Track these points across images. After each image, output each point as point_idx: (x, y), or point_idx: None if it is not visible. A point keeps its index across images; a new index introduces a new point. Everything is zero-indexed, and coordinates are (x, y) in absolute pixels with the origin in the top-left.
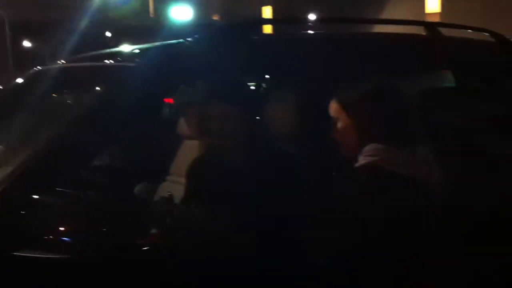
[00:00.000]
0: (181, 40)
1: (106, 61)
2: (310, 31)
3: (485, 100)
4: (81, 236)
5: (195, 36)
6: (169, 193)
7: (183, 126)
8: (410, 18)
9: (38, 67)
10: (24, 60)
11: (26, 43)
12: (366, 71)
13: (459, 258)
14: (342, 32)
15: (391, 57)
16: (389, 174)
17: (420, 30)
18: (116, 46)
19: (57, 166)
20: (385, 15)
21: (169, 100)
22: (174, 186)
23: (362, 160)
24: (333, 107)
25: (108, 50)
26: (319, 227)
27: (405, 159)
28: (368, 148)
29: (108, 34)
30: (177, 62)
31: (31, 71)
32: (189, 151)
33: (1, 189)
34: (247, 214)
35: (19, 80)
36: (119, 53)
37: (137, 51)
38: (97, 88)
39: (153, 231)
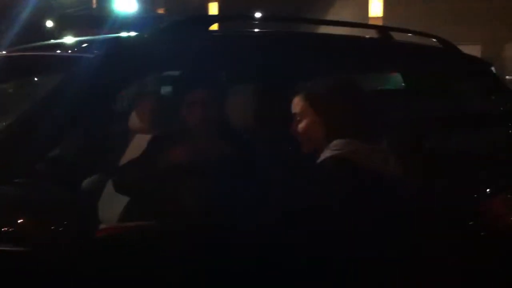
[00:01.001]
0: (138, 33)
1: (61, 51)
2: (260, 29)
3: (432, 100)
4: (36, 228)
5: (151, 29)
6: None
7: (133, 119)
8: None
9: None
10: None
11: None
12: (322, 69)
13: (415, 248)
14: (298, 31)
15: (347, 57)
16: (354, 167)
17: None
18: (59, 36)
19: (13, 157)
20: (330, 17)
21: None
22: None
23: (328, 153)
24: (298, 104)
25: (53, 41)
26: (289, 221)
27: (368, 153)
28: (335, 142)
29: (49, 23)
30: (134, 54)
31: None
32: (139, 144)
33: None
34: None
35: None
36: (63, 44)
37: (92, 42)
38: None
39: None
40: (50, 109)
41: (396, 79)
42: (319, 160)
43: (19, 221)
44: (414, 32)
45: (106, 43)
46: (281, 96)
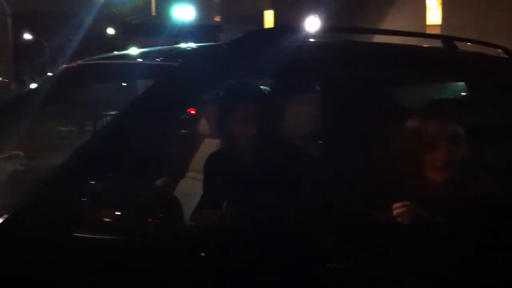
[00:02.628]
0: (218, 43)
1: (148, 59)
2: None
3: (495, 110)
4: (131, 219)
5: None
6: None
7: (204, 124)
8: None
9: (77, 61)
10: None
11: (29, 36)
12: (390, 79)
13: None
14: (368, 42)
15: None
16: None
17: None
18: (125, 43)
19: (108, 155)
20: (385, 25)
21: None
22: (192, 182)
23: None
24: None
25: (135, 50)
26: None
27: None
28: None
29: (110, 31)
30: (215, 63)
31: (62, 68)
32: (208, 148)
33: (60, 176)
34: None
35: (51, 76)
36: (149, 53)
37: (176, 51)
38: (140, 85)
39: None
40: (140, 113)
41: (453, 88)
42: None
43: (119, 213)
44: (479, 42)
45: (189, 52)
46: (350, 107)
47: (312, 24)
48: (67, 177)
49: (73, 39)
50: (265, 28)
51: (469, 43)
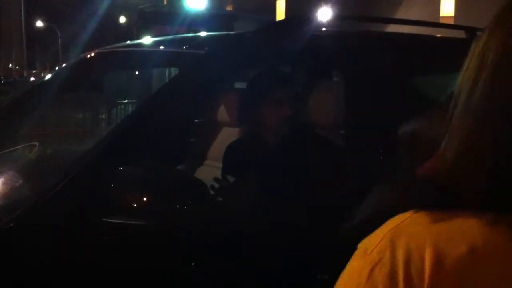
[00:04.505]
0: (240, 31)
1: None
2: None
3: None
4: (160, 205)
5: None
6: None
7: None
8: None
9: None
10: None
11: (42, 23)
12: (413, 69)
13: None
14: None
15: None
16: None
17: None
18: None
19: (137, 142)
20: (398, 16)
21: None
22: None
23: None
24: None
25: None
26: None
27: None
28: None
29: (123, 19)
30: (242, 52)
31: (83, 56)
32: (227, 137)
33: (89, 162)
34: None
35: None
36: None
37: (202, 39)
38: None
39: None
40: (167, 100)
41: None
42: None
43: (146, 198)
44: None
45: (214, 40)
46: (370, 96)
47: (325, 14)
48: (96, 164)
49: (86, 27)
50: (288, 18)
51: None
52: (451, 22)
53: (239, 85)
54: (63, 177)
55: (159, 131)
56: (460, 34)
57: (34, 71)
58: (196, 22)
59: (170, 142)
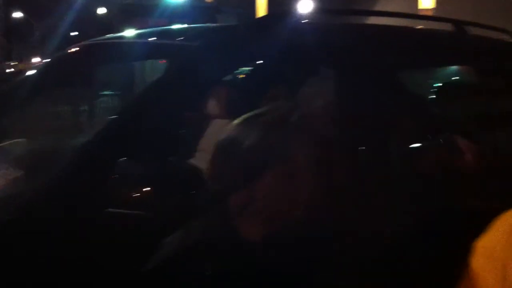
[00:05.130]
0: (233, 24)
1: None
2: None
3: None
4: (162, 196)
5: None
6: None
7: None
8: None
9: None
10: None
11: (19, 15)
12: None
13: None
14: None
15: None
16: None
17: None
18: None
19: (135, 133)
20: (378, 9)
21: None
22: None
23: None
24: None
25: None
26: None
27: None
28: None
29: (103, 11)
30: (234, 44)
31: (77, 45)
32: (216, 129)
33: (91, 154)
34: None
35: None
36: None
37: (194, 31)
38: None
39: None
40: (162, 92)
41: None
42: None
43: (146, 189)
44: (486, 26)
45: (207, 32)
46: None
47: (306, 6)
48: (96, 155)
49: (63, 19)
50: (284, 10)
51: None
52: (430, 14)
53: (234, 77)
54: (61, 171)
55: (157, 122)
56: (442, 26)
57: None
58: (178, 14)
59: (167, 134)
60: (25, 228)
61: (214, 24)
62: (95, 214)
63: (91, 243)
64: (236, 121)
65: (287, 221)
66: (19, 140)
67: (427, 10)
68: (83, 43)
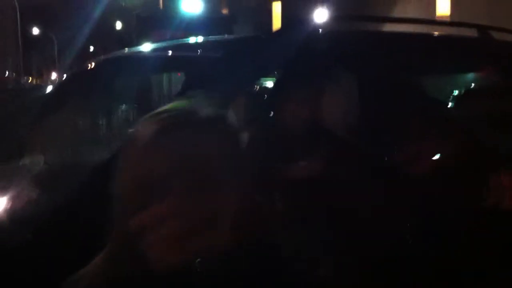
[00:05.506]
0: (255, 34)
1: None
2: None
3: None
4: None
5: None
6: None
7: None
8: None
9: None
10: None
11: (37, 30)
12: (429, 68)
13: None
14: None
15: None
16: None
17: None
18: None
19: None
20: (395, 15)
21: None
22: None
23: None
24: None
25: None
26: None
27: None
28: None
29: (119, 24)
30: (256, 54)
31: (97, 59)
32: None
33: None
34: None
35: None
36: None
37: (216, 43)
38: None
39: None
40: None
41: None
42: None
43: None
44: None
45: (229, 44)
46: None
47: (321, 15)
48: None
49: (82, 33)
50: (304, 18)
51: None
52: (449, 20)
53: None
54: (81, 188)
55: None
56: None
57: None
58: (195, 25)
59: None
60: (41, 252)
61: (236, 36)
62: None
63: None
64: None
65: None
66: (37, 157)
67: (444, 16)
68: (102, 57)
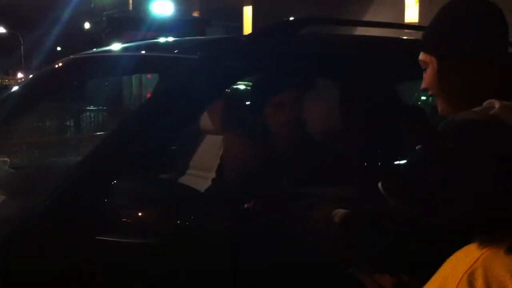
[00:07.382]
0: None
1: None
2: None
3: None
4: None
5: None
6: None
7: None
8: None
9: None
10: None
11: (3, 29)
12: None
13: None
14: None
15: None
16: None
17: None
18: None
19: (129, 155)
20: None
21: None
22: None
23: None
24: None
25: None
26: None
27: None
28: None
29: (88, 25)
30: (234, 56)
31: (67, 59)
32: (209, 145)
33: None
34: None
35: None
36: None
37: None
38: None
39: None
40: (159, 108)
41: None
42: None
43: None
44: None
45: (207, 45)
46: (370, 100)
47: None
48: (88, 177)
49: (50, 33)
50: (284, 20)
51: None
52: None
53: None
54: (53, 192)
55: (152, 140)
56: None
57: None
58: (167, 27)
59: (161, 152)
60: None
61: (213, 37)
62: (86, 242)
63: (80, 272)
64: None
65: None
66: (3, 159)
67: (412, 23)
68: (70, 57)
